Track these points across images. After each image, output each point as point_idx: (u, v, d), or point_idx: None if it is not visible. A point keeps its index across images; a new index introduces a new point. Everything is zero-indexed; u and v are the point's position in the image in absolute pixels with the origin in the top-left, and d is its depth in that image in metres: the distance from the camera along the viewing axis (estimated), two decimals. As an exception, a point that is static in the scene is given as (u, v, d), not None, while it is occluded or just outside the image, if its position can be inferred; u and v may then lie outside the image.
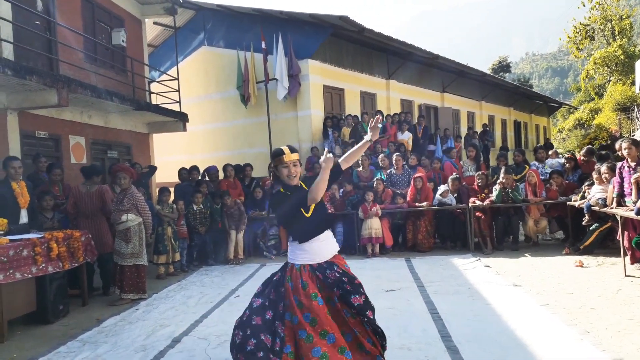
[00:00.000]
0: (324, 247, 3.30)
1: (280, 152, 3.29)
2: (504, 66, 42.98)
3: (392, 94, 15.23)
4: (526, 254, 7.74)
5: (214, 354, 4.16)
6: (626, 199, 6.35)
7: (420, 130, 12.93)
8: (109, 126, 10.80)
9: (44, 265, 5.21)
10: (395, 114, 13.33)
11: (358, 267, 7.20)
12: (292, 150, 3.33)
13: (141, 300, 6.17)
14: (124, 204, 6.16)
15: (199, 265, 8.33)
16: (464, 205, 8.42)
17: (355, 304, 3.16)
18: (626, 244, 6.27)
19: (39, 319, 5.33)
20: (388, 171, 9.57)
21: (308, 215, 3.25)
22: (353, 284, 3.22)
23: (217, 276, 7.51)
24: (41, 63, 8.84)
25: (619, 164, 6.63)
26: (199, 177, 9.19)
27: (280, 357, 3.07)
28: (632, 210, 5.81)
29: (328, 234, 3.36)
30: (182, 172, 9.12)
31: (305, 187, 3.28)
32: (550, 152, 10.08)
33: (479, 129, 20.34)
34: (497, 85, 21.34)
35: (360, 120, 12.15)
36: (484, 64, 20.18)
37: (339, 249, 3.44)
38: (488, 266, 7.03)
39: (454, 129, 16.69)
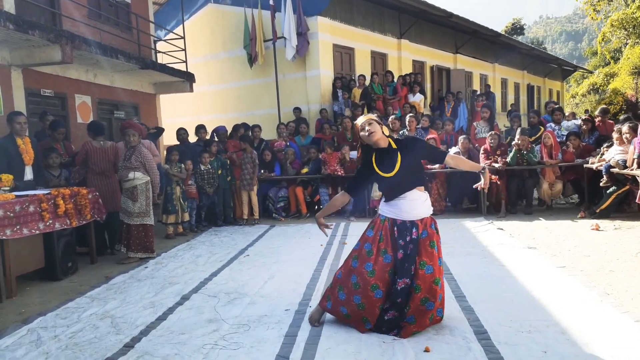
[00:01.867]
0: (407, 206, 3.40)
1: (360, 119, 3.48)
2: (517, 28, 41.77)
3: (403, 54, 14.81)
4: (540, 218, 7.59)
5: (223, 310, 4.10)
6: (647, 160, 6.15)
7: (449, 108, 12.33)
8: (115, 85, 10.60)
9: (51, 221, 5.14)
10: (407, 74, 12.99)
11: (368, 229, 7.11)
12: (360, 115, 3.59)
13: (149, 259, 6.12)
14: (132, 162, 6.04)
15: (207, 226, 8.28)
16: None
17: (399, 288, 3.37)
18: (645, 206, 6.10)
19: (47, 275, 5.30)
20: (400, 133, 9.35)
21: (390, 175, 3.39)
22: (414, 261, 3.36)
23: (226, 236, 7.46)
24: (44, 19, 8.60)
25: (641, 124, 6.40)
26: (207, 137, 9.02)
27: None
28: (654, 171, 5.61)
29: (413, 194, 3.41)
30: (180, 132, 8.91)
31: (393, 146, 3.43)
32: (567, 114, 9.78)
33: (493, 92, 19.95)
34: (510, 47, 20.74)
35: (371, 81, 11.83)
36: (497, 27, 19.59)
37: (428, 213, 3.52)
38: (501, 229, 6.90)
39: (465, 92, 16.28)
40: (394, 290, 3.40)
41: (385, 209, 3.50)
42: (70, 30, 8.21)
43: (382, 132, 3.43)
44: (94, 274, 5.61)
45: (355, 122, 3.52)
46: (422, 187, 3.50)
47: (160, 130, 10.33)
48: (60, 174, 6.31)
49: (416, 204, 3.42)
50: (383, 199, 3.57)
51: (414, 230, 3.40)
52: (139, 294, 4.72)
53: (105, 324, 3.95)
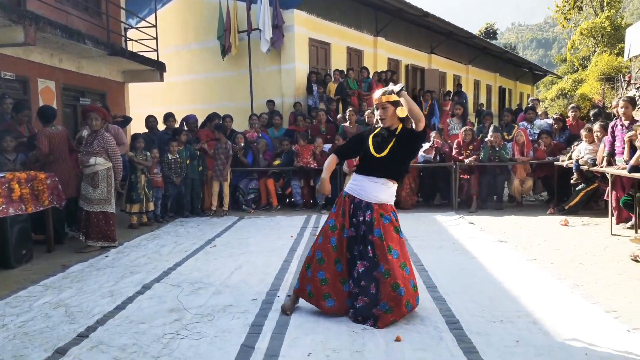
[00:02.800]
0: (373, 188, 3.41)
1: (385, 92, 3.44)
2: (490, 33, 42.41)
3: (379, 52, 14.75)
4: (510, 213, 7.61)
5: (186, 300, 3.90)
6: (617, 158, 6.21)
7: (426, 107, 12.23)
8: (81, 72, 10.21)
9: (4, 206, 4.85)
10: (382, 71, 12.93)
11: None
12: (385, 92, 3.43)
13: (111, 248, 5.85)
14: (94, 147, 5.76)
15: (174, 216, 8.02)
16: (449, 163, 8.21)
17: (360, 270, 3.36)
18: (614, 203, 6.16)
19: (0, 263, 5.00)
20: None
21: (378, 155, 3.40)
22: (372, 244, 3.32)
23: (193, 227, 7.23)
24: (6, -2, 8.19)
25: (611, 123, 6.47)
26: (176, 126, 8.74)
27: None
28: (624, 168, 5.66)
29: (383, 181, 3.42)
30: (149, 119, 8.62)
31: (396, 133, 3.42)
32: (539, 113, 9.89)
33: (465, 92, 20.13)
34: (484, 50, 20.97)
35: (346, 75, 11.72)
36: (471, 31, 19.75)
37: (390, 202, 3.49)
38: (472, 223, 6.88)
39: (439, 92, 16.36)
40: (356, 273, 3.38)
41: (350, 186, 3.53)
42: (35, 12, 7.83)
43: (396, 113, 3.41)
44: (50, 262, 5.32)
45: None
46: (394, 181, 3.50)
47: (128, 120, 9.98)
48: (16, 158, 5.97)
49: (380, 188, 3.43)
50: (354, 174, 3.57)
51: (367, 212, 3.38)
52: (97, 283, 4.48)
53: (58, 313, 3.72)
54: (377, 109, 3.46)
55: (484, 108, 17.65)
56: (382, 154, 3.39)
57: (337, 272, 3.44)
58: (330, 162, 3.65)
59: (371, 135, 3.53)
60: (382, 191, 3.42)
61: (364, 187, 3.44)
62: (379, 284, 3.28)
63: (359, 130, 9.12)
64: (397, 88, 3.34)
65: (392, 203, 3.52)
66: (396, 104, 3.38)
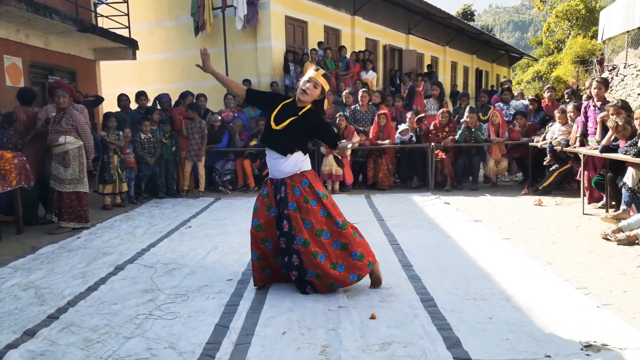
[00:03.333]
0: (274, 164, 3.50)
1: (315, 69, 3.50)
2: (467, 14, 42.49)
3: (357, 32, 14.63)
4: (485, 194, 7.70)
5: (160, 281, 3.85)
6: (589, 138, 6.31)
7: (406, 89, 12.12)
8: (50, 48, 9.85)
9: (-31, 186, 4.67)
10: (360, 51, 12.84)
11: (317, 202, 6.98)
12: (325, 75, 3.50)
13: (83, 229, 5.73)
14: (62, 125, 5.58)
15: (148, 198, 7.88)
16: (426, 144, 8.24)
17: (283, 247, 3.47)
18: (586, 183, 6.27)
19: (-35, 245, 4.85)
20: (352, 107, 9.24)
21: (276, 128, 3.44)
22: (288, 218, 3.40)
23: (167, 208, 7.12)
24: (-34, -32, 7.80)
25: (584, 104, 6.55)
26: (149, 105, 8.54)
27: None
28: (596, 148, 5.75)
29: (277, 155, 3.48)
30: (121, 98, 8.41)
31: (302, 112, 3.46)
32: (516, 94, 9.97)
33: (442, 74, 20.19)
34: (461, 32, 21.02)
35: (323, 55, 11.59)
36: (449, 11, 19.71)
37: (303, 170, 3.53)
38: (448, 203, 6.94)
39: (416, 72, 16.36)
40: (281, 250, 3.49)
41: (269, 169, 3.59)
42: (-2, -17, 7.49)
43: (315, 99, 3.50)
44: (19, 244, 5.18)
45: (306, 69, 3.55)
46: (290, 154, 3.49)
47: (99, 99, 9.71)
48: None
49: (281, 162, 3.47)
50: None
51: (282, 188, 3.46)
52: (68, 264, 4.38)
53: (28, 294, 3.63)
54: (308, 82, 3.43)
55: (459, 89, 17.75)
56: (279, 127, 3.43)
57: (268, 249, 3.54)
58: (234, 84, 3.73)
59: (279, 105, 3.52)
60: (284, 164, 3.47)
61: (272, 165, 3.53)
62: (300, 254, 3.38)
63: (335, 111, 9.08)
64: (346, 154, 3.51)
65: (304, 169, 3.53)
66: (327, 95, 3.52)
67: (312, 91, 3.44)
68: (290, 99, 3.59)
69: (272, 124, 3.45)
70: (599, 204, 6.28)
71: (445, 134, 8.21)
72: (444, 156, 8.10)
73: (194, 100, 8.91)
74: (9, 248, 5.00)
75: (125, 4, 10.93)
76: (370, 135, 8.41)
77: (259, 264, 3.57)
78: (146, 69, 13.62)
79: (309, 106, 3.50)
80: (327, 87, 3.53)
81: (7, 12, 7.57)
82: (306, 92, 3.44)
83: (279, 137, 3.45)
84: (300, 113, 3.46)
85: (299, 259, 3.39)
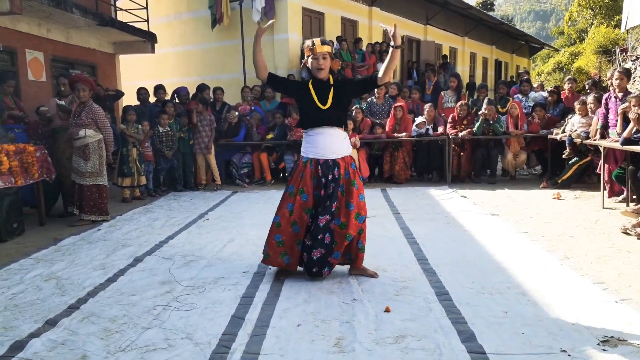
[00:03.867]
0: (328, 141, 3.51)
1: (311, 43, 3.47)
2: (487, 4, 41.92)
3: (374, 23, 14.53)
4: (503, 187, 7.62)
5: (177, 273, 3.91)
6: (610, 130, 6.19)
7: (430, 86, 11.93)
8: (70, 42, 10.01)
9: (-7, 179, 4.79)
10: (376, 42, 12.76)
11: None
12: (324, 42, 3.48)
13: (103, 221, 5.84)
14: (82, 118, 5.68)
15: (167, 190, 7.98)
16: (443, 136, 8.18)
17: (321, 225, 3.50)
18: (606, 177, 6.17)
19: (-10, 236, 4.98)
20: (368, 100, 9.21)
21: (324, 107, 3.48)
22: (337, 199, 3.49)
23: (185, 201, 7.21)
24: (-10, -36, 7.94)
25: (605, 95, 6.43)
26: (167, 98, 8.61)
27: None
28: (617, 141, 5.64)
29: (335, 131, 3.55)
30: (141, 91, 8.49)
31: (331, 83, 3.53)
32: (535, 85, 9.82)
33: (461, 65, 19.96)
34: (480, 22, 20.71)
35: (339, 47, 11.55)
36: (468, 1, 19.47)
37: (349, 152, 3.64)
38: (465, 197, 6.89)
39: (435, 64, 16.20)
40: (314, 226, 3.51)
41: (309, 150, 3.57)
42: (20, -21, 7.61)
43: (331, 67, 3.57)
44: (42, 235, 5.30)
45: (312, 43, 3.49)
46: (342, 128, 3.66)
47: (120, 94, 9.84)
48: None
49: (335, 140, 3.55)
50: (306, 136, 3.62)
51: (335, 170, 3.51)
52: (89, 255, 4.48)
53: (49, 285, 3.72)
54: (316, 59, 3.46)
55: (476, 81, 17.51)
56: (326, 106, 3.49)
57: (293, 234, 3.56)
58: (263, 63, 3.59)
59: (312, 92, 3.51)
60: (340, 143, 3.56)
61: (326, 144, 3.52)
62: (334, 234, 3.48)
63: (352, 104, 9.04)
64: (398, 42, 3.36)
65: (350, 151, 3.67)
66: (332, 58, 3.55)
67: (326, 64, 3.50)
68: (310, 81, 3.59)
69: (319, 104, 3.48)
70: (620, 198, 6.17)
71: (463, 127, 8.13)
72: (461, 152, 8.04)
73: (210, 93, 8.96)
74: (32, 239, 5.13)
75: (144, -2, 11.03)
76: (387, 128, 8.38)
77: (279, 248, 3.59)
78: (165, 62, 13.74)
79: (330, 76, 3.58)
80: (330, 50, 3.56)
81: (29, 6, 7.70)
82: (322, 68, 3.49)
83: (328, 114, 3.51)
84: (332, 83, 3.55)
85: (331, 238, 3.48)
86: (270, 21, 3.62)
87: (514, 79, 19.75)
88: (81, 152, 5.71)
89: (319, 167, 3.52)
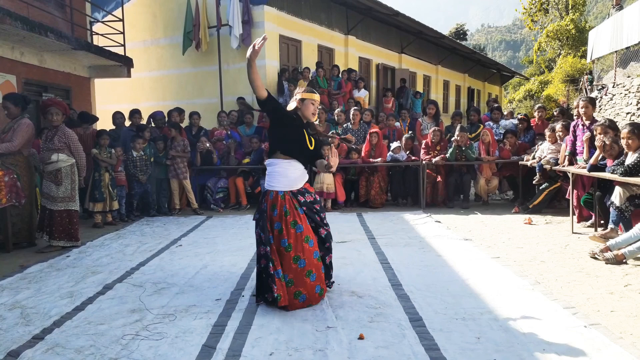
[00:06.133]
0: (302, 176, 3.79)
1: (313, 91, 3.82)
2: (460, 34, 43.14)
3: (350, 51, 14.79)
4: (476, 212, 7.74)
5: (148, 300, 3.83)
6: (578, 157, 6.38)
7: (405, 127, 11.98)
8: (44, 66, 9.90)
9: (-43, 204, 4.65)
10: (350, 69, 12.97)
11: (308, 220, 6.98)
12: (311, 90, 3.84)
13: (73, 247, 5.70)
14: (55, 142, 5.59)
15: (140, 216, 7.86)
16: (417, 161, 8.29)
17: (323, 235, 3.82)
18: (575, 202, 6.32)
19: (-48, 264, 4.81)
20: (344, 126, 9.31)
21: (312, 148, 3.76)
22: (320, 214, 3.83)
23: (159, 226, 7.10)
24: (-38, -13, 7.88)
25: (572, 123, 6.64)
26: (143, 122, 8.56)
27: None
28: (584, 167, 5.81)
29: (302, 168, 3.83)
30: (117, 116, 8.44)
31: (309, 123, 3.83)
32: (505, 113, 10.08)
33: (434, 92, 20.40)
34: (454, 50, 21.28)
35: (316, 74, 11.69)
36: (442, 31, 20.03)
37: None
38: (439, 222, 6.96)
39: (409, 91, 16.50)
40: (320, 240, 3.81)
41: (283, 183, 3.69)
42: (-7, 2, 7.56)
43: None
44: (7, 262, 5.13)
45: (312, 91, 3.82)
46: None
47: (93, 119, 9.72)
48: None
49: (305, 173, 3.84)
50: (276, 167, 3.72)
51: (307, 194, 3.81)
52: (56, 283, 4.35)
53: (14, 314, 3.60)
54: (313, 104, 3.77)
55: (450, 109, 17.89)
56: (312, 147, 3.78)
57: (299, 269, 3.56)
58: (260, 83, 3.59)
59: (306, 135, 3.75)
60: (306, 174, 3.87)
61: (299, 177, 3.76)
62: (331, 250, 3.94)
63: (327, 129, 9.13)
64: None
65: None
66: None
67: (317, 118, 3.90)
68: (295, 117, 3.76)
69: (309, 146, 3.74)
70: (588, 223, 6.32)
71: (436, 152, 8.27)
72: (437, 177, 8.16)
73: (180, 116, 8.94)
74: (-3, 267, 4.97)
75: (121, 23, 11.02)
76: (362, 153, 8.46)
77: (291, 288, 3.54)
78: (141, 87, 13.68)
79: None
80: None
81: (2, 30, 7.62)
82: (315, 113, 3.84)
83: (311, 153, 3.78)
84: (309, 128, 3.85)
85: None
86: (262, 39, 3.53)
87: (471, 106, 20.21)
88: (53, 176, 5.60)
89: (291, 197, 3.69)
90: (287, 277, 3.54)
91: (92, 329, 3.29)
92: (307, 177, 3.87)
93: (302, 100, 3.75)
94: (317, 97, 3.80)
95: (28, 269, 4.82)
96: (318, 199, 3.93)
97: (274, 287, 3.48)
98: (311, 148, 3.76)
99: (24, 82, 9.31)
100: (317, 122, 3.91)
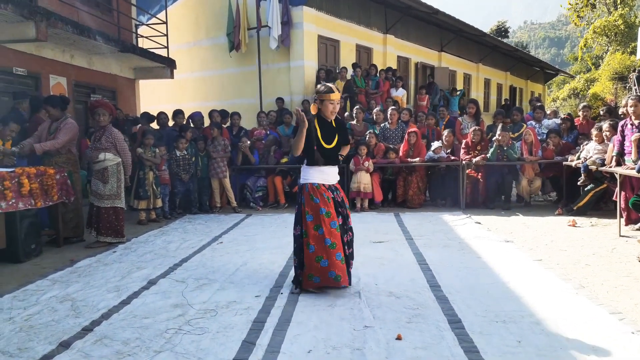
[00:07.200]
0: (333, 172, 4.06)
1: (330, 90, 3.93)
2: (502, 31, 42.03)
3: (388, 50, 14.71)
4: (518, 213, 7.57)
5: (191, 296, 3.94)
6: (626, 157, 6.15)
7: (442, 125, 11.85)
8: (92, 68, 10.32)
9: (14, 201, 4.90)
10: (389, 68, 12.90)
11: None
12: (331, 89, 3.96)
13: (119, 243, 5.91)
14: (102, 142, 5.82)
15: (182, 213, 8.08)
16: (457, 161, 8.17)
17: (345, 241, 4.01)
18: (622, 204, 6.10)
19: (8, 257, 5.07)
20: (382, 125, 9.28)
21: (329, 147, 4.00)
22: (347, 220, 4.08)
23: (200, 224, 7.28)
24: (18, -6, 8.28)
25: (621, 122, 6.40)
26: (184, 123, 8.78)
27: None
28: (632, 168, 5.60)
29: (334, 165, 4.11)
30: (161, 116, 8.69)
31: (334, 125, 4.06)
32: (548, 112, 9.81)
33: (475, 91, 20.02)
34: (495, 48, 20.83)
35: (354, 74, 11.69)
36: (482, 29, 19.63)
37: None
38: (479, 223, 6.85)
39: (449, 90, 16.26)
40: (344, 243, 3.96)
41: (316, 176, 3.95)
42: (46, 8, 7.91)
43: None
44: (59, 257, 5.39)
45: (327, 93, 3.93)
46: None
47: (138, 120, 10.04)
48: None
49: (336, 172, 4.10)
50: (310, 167, 3.99)
51: (337, 192, 4.04)
52: (104, 277, 4.53)
53: (64, 307, 3.77)
54: (332, 103, 3.94)
55: (492, 107, 17.51)
56: (332, 145, 4.02)
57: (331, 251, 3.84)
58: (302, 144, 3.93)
59: (319, 133, 3.97)
60: (335, 174, 4.10)
61: (327, 173, 4.00)
62: (352, 244, 4.12)
63: (366, 129, 9.13)
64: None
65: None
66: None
67: (337, 110, 4.03)
68: (316, 122, 4.00)
69: (324, 144, 3.97)
70: (637, 226, 6.08)
71: (477, 152, 8.13)
72: (478, 176, 8.03)
73: (223, 118, 9.12)
74: (49, 261, 5.21)
75: (165, 25, 11.34)
76: (400, 153, 8.41)
77: (343, 266, 3.86)
78: (184, 87, 14.04)
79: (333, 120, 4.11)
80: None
81: (54, 34, 7.98)
82: (335, 111, 4.01)
83: (332, 151, 4.03)
84: (334, 126, 4.08)
85: (351, 248, 4.07)
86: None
87: (507, 103, 19.74)
88: (100, 175, 5.84)
89: (329, 190, 3.98)
90: (340, 255, 3.84)
91: (138, 322, 3.41)
92: (338, 177, 4.12)
93: (321, 101, 3.96)
94: (335, 96, 3.93)
95: (78, 263, 5.04)
96: (347, 204, 4.12)
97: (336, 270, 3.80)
98: (329, 146, 3.98)
99: (73, 84, 9.73)
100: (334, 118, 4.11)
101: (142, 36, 11.78)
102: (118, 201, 5.94)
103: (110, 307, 3.72)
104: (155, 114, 8.84)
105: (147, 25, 12.24)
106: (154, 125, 8.89)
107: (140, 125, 8.94)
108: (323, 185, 3.94)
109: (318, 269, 3.80)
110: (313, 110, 3.97)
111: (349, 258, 4.05)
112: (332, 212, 3.86)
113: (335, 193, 3.99)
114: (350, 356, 2.82)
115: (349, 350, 2.89)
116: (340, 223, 3.94)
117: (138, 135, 8.22)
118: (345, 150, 4.28)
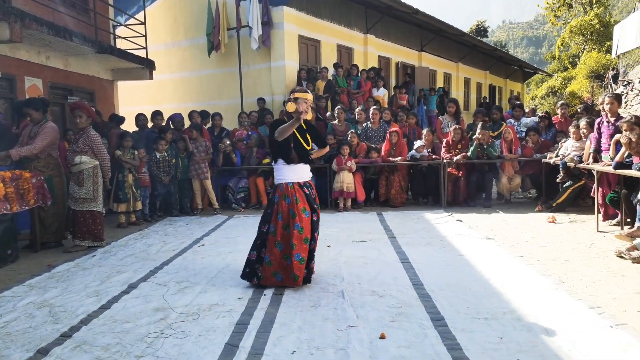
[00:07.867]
0: (307, 169, 4.24)
1: (304, 90, 4.14)
2: (481, 31, 42.52)
3: (369, 50, 14.75)
4: (498, 211, 7.65)
5: (172, 299, 3.89)
6: (602, 154, 6.26)
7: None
8: (69, 69, 10.12)
9: (-12, 206, 4.79)
10: (370, 68, 12.93)
11: (328, 220, 7.01)
12: (300, 90, 4.14)
13: (98, 247, 5.82)
14: (79, 145, 5.71)
15: (162, 216, 7.98)
16: (438, 160, 8.23)
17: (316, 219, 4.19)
18: (600, 200, 6.20)
19: (-16, 263, 4.95)
20: (364, 125, 9.30)
21: (309, 148, 4.24)
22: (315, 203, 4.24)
23: (181, 226, 7.20)
24: (-9, -6, 8.09)
25: (597, 119, 6.51)
26: (163, 124, 8.68)
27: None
28: (609, 165, 5.70)
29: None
30: (139, 117, 8.58)
31: (304, 126, 4.18)
32: (527, 110, 9.94)
33: (455, 90, 20.20)
34: (474, 47, 21.04)
35: (335, 74, 11.70)
36: (462, 28, 19.87)
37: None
38: (460, 220, 6.91)
39: (429, 89, 16.38)
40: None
41: (291, 175, 4.12)
42: (21, 8, 7.74)
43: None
44: (36, 262, 5.28)
45: (301, 92, 4.07)
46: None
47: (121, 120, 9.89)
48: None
49: (308, 169, 4.26)
50: (283, 166, 4.15)
51: (310, 189, 4.23)
52: (83, 282, 4.45)
53: (42, 313, 3.69)
54: (302, 103, 4.01)
55: (472, 106, 17.72)
56: (309, 147, 4.24)
57: (278, 252, 4.05)
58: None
59: (298, 134, 4.12)
60: (307, 171, 4.26)
61: (300, 171, 4.17)
62: (315, 241, 4.24)
63: (348, 128, 9.14)
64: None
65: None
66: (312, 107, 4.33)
67: (307, 112, 4.13)
68: (285, 120, 4.14)
69: (305, 145, 4.18)
70: (614, 221, 6.19)
71: (457, 151, 8.20)
72: (459, 174, 8.09)
73: (203, 119, 9.05)
74: (26, 266, 5.10)
75: (143, 26, 11.19)
76: (382, 153, 8.44)
77: (270, 268, 4.02)
78: (163, 88, 13.87)
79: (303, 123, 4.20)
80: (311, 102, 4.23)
81: (29, 35, 7.81)
82: (305, 114, 4.10)
83: (307, 151, 4.22)
84: (305, 127, 4.24)
85: (314, 244, 4.16)
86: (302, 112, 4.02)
87: (485, 101, 19.98)
88: (76, 178, 5.73)
89: (304, 187, 4.16)
90: (300, 255, 3.98)
91: (118, 327, 3.35)
92: (310, 174, 4.28)
93: (295, 99, 4.03)
94: (309, 96, 4.10)
95: (55, 269, 4.94)
96: (318, 202, 4.30)
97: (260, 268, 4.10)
98: (309, 147, 4.20)
99: (49, 85, 9.53)
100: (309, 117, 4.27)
101: (120, 37, 11.60)
102: (95, 205, 5.83)
103: (90, 312, 3.66)
104: (127, 116, 8.70)
105: (125, 26, 12.06)
106: (126, 127, 8.75)
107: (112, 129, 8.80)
108: (297, 183, 4.12)
109: (284, 267, 3.99)
110: (291, 108, 3.94)
111: (312, 252, 4.18)
112: (299, 214, 4.01)
113: (309, 189, 4.18)
114: (334, 356, 2.81)
115: (333, 351, 2.88)
116: (315, 219, 4.15)
117: (112, 137, 8.06)
118: (323, 152, 4.53)
